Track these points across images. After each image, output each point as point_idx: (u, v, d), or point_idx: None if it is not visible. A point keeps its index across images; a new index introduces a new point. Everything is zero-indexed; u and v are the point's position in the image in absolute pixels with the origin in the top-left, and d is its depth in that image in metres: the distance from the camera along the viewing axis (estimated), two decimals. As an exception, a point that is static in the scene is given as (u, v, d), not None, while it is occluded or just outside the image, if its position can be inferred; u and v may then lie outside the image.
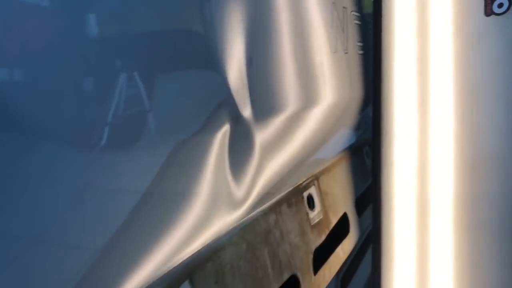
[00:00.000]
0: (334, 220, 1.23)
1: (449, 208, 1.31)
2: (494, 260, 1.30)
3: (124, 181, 0.64)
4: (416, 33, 1.28)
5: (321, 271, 1.12)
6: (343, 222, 1.32)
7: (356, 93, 1.43)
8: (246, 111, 0.81)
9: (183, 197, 0.70)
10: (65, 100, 0.55)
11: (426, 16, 1.26)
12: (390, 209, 1.36)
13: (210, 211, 0.75)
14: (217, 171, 0.74)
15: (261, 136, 0.86)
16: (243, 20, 0.81)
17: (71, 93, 0.56)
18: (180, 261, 0.70)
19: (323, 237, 1.14)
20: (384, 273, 1.41)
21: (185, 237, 0.71)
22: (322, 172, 1.23)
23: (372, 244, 1.41)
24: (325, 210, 1.18)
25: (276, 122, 0.93)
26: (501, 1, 1.17)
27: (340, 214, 1.29)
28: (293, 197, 1.05)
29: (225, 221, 0.79)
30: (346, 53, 1.30)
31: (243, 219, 0.86)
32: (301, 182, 1.11)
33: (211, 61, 0.75)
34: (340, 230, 1.29)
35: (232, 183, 0.79)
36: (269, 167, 0.91)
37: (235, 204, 0.82)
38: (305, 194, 1.11)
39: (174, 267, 0.68)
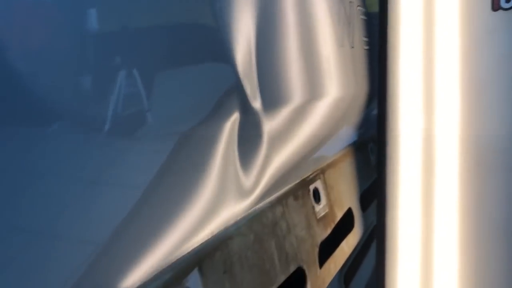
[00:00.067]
0: (339, 215, 1.23)
1: (455, 205, 1.31)
2: (500, 258, 1.29)
3: (133, 170, 0.64)
4: (422, 28, 1.28)
5: (326, 265, 1.11)
6: (348, 217, 1.32)
7: (361, 88, 1.43)
8: (255, 101, 0.80)
9: (192, 185, 0.70)
10: (69, 89, 0.55)
11: (432, 11, 1.26)
12: (395, 206, 1.36)
13: (219, 200, 0.75)
14: (226, 159, 0.74)
15: (270, 127, 0.86)
16: (253, 12, 0.81)
17: (75, 84, 0.56)
18: (189, 249, 0.70)
19: (329, 231, 1.14)
20: (388, 269, 1.41)
21: (194, 226, 0.71)
22: (327, 166, 1.23)
23: (376, 240, 1.41)
24: (330, 204, 1.18)
25: (284, 114, 0.93)
26: (509, -4, 1.17)
27: (345, 209, 1.29)
28: (300, 189, 1.05)
29: (233, 210, 0.79)
30: (352, 47, 1.30)
31: (251, 210, 0.86)
32: (307, 175, 1.11)
33: (222, 51, 0.75)
34: (345, 225, 1.29)
35: (241, 172, 0.79)
36: (277, 158, 0.91)
37: (243, 194, 0.82)
38: (311, 187, 1.11)
39: (183, 256, 0.68)
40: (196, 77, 0.71)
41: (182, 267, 0.67)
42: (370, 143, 1.60)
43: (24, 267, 0.49)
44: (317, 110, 1.11)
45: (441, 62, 1.26)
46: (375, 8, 1.50)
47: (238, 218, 0.81)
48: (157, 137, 0.66)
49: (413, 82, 1.31)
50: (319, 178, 1.16)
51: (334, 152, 1.32)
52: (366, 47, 1.46)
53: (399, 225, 1.37)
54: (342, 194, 1.29)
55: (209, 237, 0.74)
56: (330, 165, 1.25)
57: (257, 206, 0.88)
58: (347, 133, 1.45)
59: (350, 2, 1.30)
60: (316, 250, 1.06)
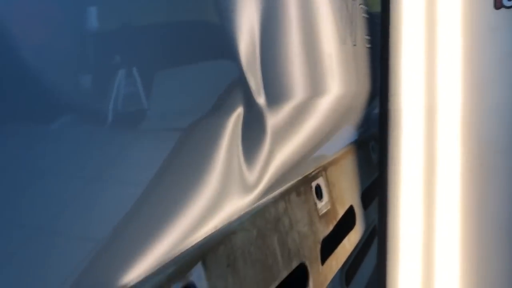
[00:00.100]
0: (341, 212, 1.23)
1: (456, 204, 1.31)
2: (501, 256, 1.30)
3: (136, 165, 0.64)
4: (424, 26, 1.28)
5: (328, 262, 1.12)
6: (350, 214, 1.32)
7: (363, 86, 1.44)
8: (259, 96, 0.81)
9: (196, 180, 0.70)
10: (69, 85, 0.55)
11: (434, 9, 1.26)
12: (396, 204, 1.36)
13: (223, 195, 0.75)
14: (230, 153, 0.75)
15: (273, 122, 0.86)
16: (257, 8, 0.81)
17: (76, 79, 0.56)
18: (193, 243, 0.70)
19: (331, 228, 1.14)
20: (389, 268, 1.41)
21: (198, 220, 0.71)
22: (329, 164, 1.23)
23: (377, 238, 1.41)
24: (332, 201, 1.19)
25: (287, 110, 0.93)
26: (511, -6, 1.17)
27: (347, 206, 1.30)
28: (302, 186, 1.06)
29: (237, 205, 0.79)
30: (354, 45, 1.30)
31: (254, 205, 0.86)
32: (309, 172, 1.11)
33: (226, 46, 0.75)
34: (346, 222, 1.29)
35: (244, 167, 0.79)
36: (280, 154, 0.91)
37: (247, 189, 0.82)
38: (313, 184, 1.11)
39: (187, 249, 0.68)
40: (200, 72, 0.72)
41: (186, 261, 0.67)
42: (371, 141, 1.60)
43: (27, 263, 0.49)
44: (319, 107, 1.11)
45: (443, 60, 1.27)
46: (376, 8, 1.50)
47: (242, 213, 0.81)
48: (161, 131, 0.66)
49: (415, 80, 1.31)
50: (321, 175, 1.16)
51: (336, 149, 1.32)
52: (368, 45, 1.47)
53: (401, 223, 1.38)
54: (344, 191, 1.29)
55: (213, 231, 0.74)
56: (332, 163, 1.26)
57: (260, 202, 0.88)
58: (348, 131, 1.45)
59: (353, 0, 1.30)
60: (318, 246, 1.06)
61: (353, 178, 1.41)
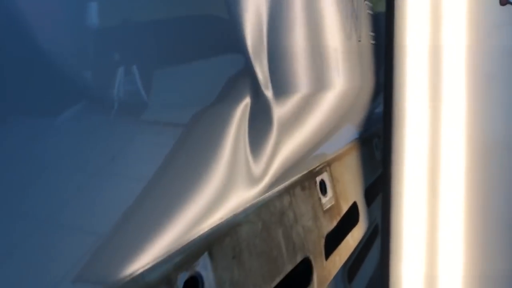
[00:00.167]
0: (344, 208, 1.23)
1: (460, 201, 1.31)
2: (504, 253, 1.29)
3: (143, 155, 0.64)
4: (429, 23, 1.28)
5: (332, 257, 1.11)
6: (353, 210, 1.32)
7: (367, 82, 1.43)
8: (266, 88, 0.81)
9: (203, 170, 0.70)
10: (73, 76, 0.55)
11: (439, 6, 1.26)
12: (400, 201, 1.36)
13: (229, 186, 0.75)
14: (237, 144, 0.74)
15: (279, 115, 0.86)
16: (264, 2, 0.81)
17: (79, 70, 0.55)
18: (200, 233, 0.70)
19: (334, 223, 1.14)
20: (393, 265, 1.40)
21: (205, 210, 0.71)
22: (333, 160, 1.23)
23: (381, 235, 1.41)
24: (336, 197, 1.18)
25: (293, 103, 0.93)
26: (517, -9, 1.17)
27: (350, 202, 1.29)
28: (306, 181, 1.05)
29: (243, 197, 0.79)
30: (359, 41, 1.30)
31: (259, 198, 0.86)
32: (314, 167, 1.11)
33: (235, 38, 0.75)
34: (350, 218, 1.29)
35: (251, 159, 0.79)
36: (286, 147, 0.91)
37: (253, 181, 0.82)
38: (318, 179, 1.11)
39: (194, 239, 0.68)
40: (209, 63, 0.72)
41: (193, 251, 0.67)
42: (375, 138, 1.60)
43: (35, 253, 0.49)
44: (324, 102, 1.11)
45: (448, 56, 1.26)
46: (378, 8, 1.50)
47: (247, 205, 0.81)
48: (168, 121, 0.66)
49: (419, 77, 1.31)
50: (326, 171, 1.16)
51: (340, 145, 1.32)
52: (373, 42, 1.46)
53: (404, 221, 1.37)
54: (348, 187, 1.29)
55: (219, 222, 0.74)
56: (336, 158, 1.25)
57: (265, 195, 0.88)
58: (352, 127, 1.45)
59: (358, -5, 1.30)
60: (322, 241, 1.06)
61: (357, 174, 1.40)
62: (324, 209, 1.10)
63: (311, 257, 0.99)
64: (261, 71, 0.79)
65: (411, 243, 1.37)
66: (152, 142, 0.65)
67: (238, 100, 0.74)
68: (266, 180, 0.86)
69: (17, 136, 0.46)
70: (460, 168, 1.30)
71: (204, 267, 0.67)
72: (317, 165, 1.13)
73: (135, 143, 0.63)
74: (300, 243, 0.95)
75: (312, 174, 1.09)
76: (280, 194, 0.93)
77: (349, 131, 1.42)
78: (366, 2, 1.39)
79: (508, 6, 1.17)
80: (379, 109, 1.45)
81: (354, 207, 1.32)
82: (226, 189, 0.75)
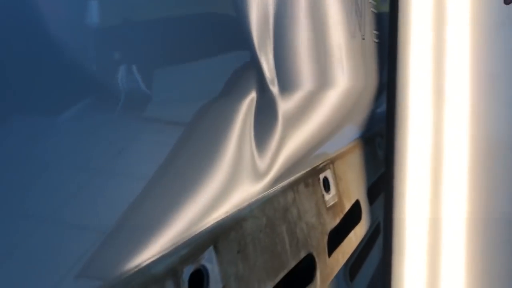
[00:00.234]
0: (347, 205, 1.23)
1: (463, 200, 1.31)
2: (508, 253, 1.29)
3: (149, 148, 0.64)
4: (432, 21, 1.28)
5: (334, 254, 1.11)
6: (356, 208, 1.32)
7: (370, 81, 1.44)
8: (272, 83, 0.81)
9: (209, 163, 0.70)
10: (77, 73, 0.55)
11: (443, 5, 1.26)
12: (402, 201, 1.36)
13: (234, 180, 0.75)
14: (243, 138, 0.75)
15: (284, 110, 0.86)
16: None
17: (83, 67, 0.55)
18: (205, 227, 0.70)
19: (338, 221, 1.14)
20: (395, 265, 1.40)
21: (210, 203, 0.71)
22: (336, 157, 1.23)
23: (383, 234, 1.41)
24: (339, 194, 1.18)
25: (298, 99, 0.93)
26: (521, -11, 1.17)
27: (353, 200, 1.30)
28: (310, 177, 1.05)
29: (248, 191, 0.79)
30: (363, 39, 1.30)
31: (263, 194, 0.86)
32: (317, 164, 1.11)
33: (241, 34, 0.75)
34: (353, 216, 1.29)
35: (256, 153, 0.79)
36: (290, 142, 0.92)
37: (258, 176, 0.82)
38: (321, 176, 1.11)
39: (200, 232, 0.68)
40: (215, 57, 0.72)
41: (198, 244, 0.67)
42: (378, 137, 1.60)
43: (41, 247, 0.49)
44: (328, 99, 1.11)
45: (451, 56, 1.26)
46: (381, 9, 1.50)
47: (252, 200, 0.81)
48: (174, 115, 0.66)
49: (422, 76, 1.31)
50: (329, 168, 1.16)
51: (343, 143, 1.32)
52: (376, 40, 1.47)
53: (406, 220, 1.37)
54: (351, 185, 1.29)
55: (224, 216, 0.74)
56: (339, 156, 1.26)
57: (270, 191, 0.88)
58: (356, 125, 1.45)
59: (362, -6, 1.30)
60: (326, 238, 1.06)
61: (360, 173, 1.41)
62: (327, 206, 1.11)
63: (315, 254, 0.99)
64: (267, 66, 0.79)
65: (413, 242, 1.37)
66: (157, 136, 0.65)
67: (244, 94, 0.74)
68: (271, 175, 0.86)
69: (19, 135, 0.46)
70: (463, 168, 1.30)
71: (209, 261, 0.68)
72: (321, 162, 1.13)
73: (140, 138, 0.63)
74: (303, 239, 0.95)
75: (316, 171, 1.09)
76: (284, 190, 0.93)
77: (352, 130, 1.42)
78: (370, 0, 1.39)
79: (512, 5, 1.18)
80: (382, 108, 1.45)
81: (356, 205, 1.32)
82: (231, 183, 0.75)
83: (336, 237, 1.15)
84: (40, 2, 0.49)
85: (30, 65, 0.47)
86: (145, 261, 0.59)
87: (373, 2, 1.43)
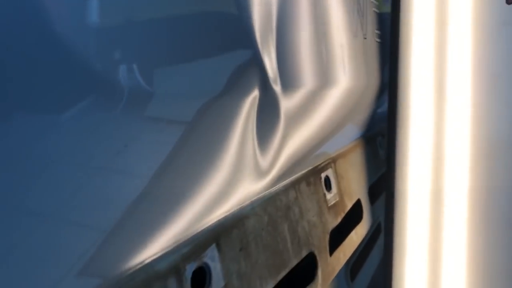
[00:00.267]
0: (349, 205, 1.23)
1: (464, 199, 1.31)
2: (509, 253, 1.29)
3: (152, 145, 0.64)
4: (434, 21, 1.28)
5: (336, 253, 1.12)
6: (357, 208, 1.32)
7: (372, 80, 1.44)
8: (274, 82, 0.81)
9: (211, 161, 0.70)
10: (79, 71, 0.55)
11: (444, 4, 1.26)
12: (403, 200, 1.36)
13: (236, 177, 0.75)
14: (245, 136, 0.75)
15: (287, 109, 0.87)
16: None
17: (85, 65, 0.55)
18: (208, 224, 0.70)
19: (339, 220, 1.14)
20: (396, 264, 1.40)
21: (212, 202, 0.71)
22: (338, 156, 1.23)
23: (384, 234, 1.41)
24: (341, 194, 1.19)
25: (299, 98, 0.93)
26: (523, -11, 1.17)
27: (355, 199, 1.30)
28: (312, 176, 1.06)
29: (250, 189, 0.79)
30: (365, 38, 1.30)
31: (265, 192, 0.86)
32: (319, 163, 1.11)
33: (245, 33, 0.75)
34: (354, 215, 1.29)
35: (258, 151, 0.79)
36: (292, 141, 0.92)
37: (260, 174, 0.82)
38: (323, 175, 1.11)
39: (202, 230, 0.68)
40: (218, 56, 0.72)
41: (201, 242, 0.67)
42: (379, 137, 1.60)
43: (45, 244, 0.49)
44: (329, 97, 1.11)
45: (453, 55, 1.26)
46: (382, 9, 1.50)
47: (254, 198, 0.82)
48: (178, 112, 0.66)
49: (424, 75, 1.31)
50: (330, 167, 1.16)
51: (345, 142, 1.32)
52: (378, 40, 1.47)
53: (408, 220, 1.37)
54: (352, 185, 1.29)
55: (226, 214, 0.74)
56: (341, 155, 1.26)
57: (272, 189, 0.88)
58: (357, 125, 1.45)
59: (364, -7, 1.30)
60: (327, 237, 1.06)
61: (361, 172, 1.41)
62: (329, 205, 1.11)
63: (316, 252, 0.99)
64: (270, 65, 0.79)
65: (414, 242, 1.37)
66: (160, 134, 0.65)
67: (247, 92, 0.74)
68: (273, 173, 0.86)
69: (21, 133, 0.46)
70: (464, 168, 1.30)
71: (211, 258, 0.68)
72: (322, 161, 1.13)
73: (143, 136, 0.63)
74: (305, 238, 0.95)
75: (317, 170, 1.10)
76: (286, 189, 0.93)
77: (354, 129, 1.42)
78: (372, 0, 1.39)
79: (514, 5, 1.17)
80: (384, 107, 1.45)
81: (358, 204, 1.32)
82: (233, 181, 0.75)
83: (338, 236, 1.15)
84: (43, 0, 0.49)
85: (32, 64, 0.47)
86: (148, 258, 0.59)
87: (375, 2, 1.43)
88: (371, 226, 1.45)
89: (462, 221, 1.31)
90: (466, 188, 1.30)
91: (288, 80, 0.87)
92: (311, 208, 1.01)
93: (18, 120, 0.46)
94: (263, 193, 0.84)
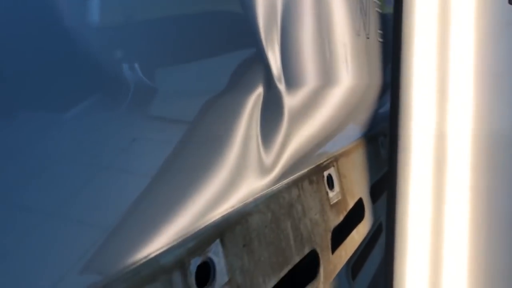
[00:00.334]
0: (351, 203, 1.24)
1: (466, 200, 1.31)
2: (509, 251, 1.30)
3: (158, 142, 0.65)
4: (437, 21, 1.28)
5: (337, 251, 1.12)
6: (359, 207, 1.32)
7: (374, 80, 1.44)
8: (279, 80, 0.81)
9: (215, 157, 0.71)
10: (83, 71, 0.55)
11: (447, 4, 1.26)
12: (405, 199, 1.36)
13: (240, 174, 0.76)
14: (249, 132, 0.75)
15: (290, 107, 0.87)
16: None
17: (88, 64, 0.55)
18: (212, 220, 0.70)
19: (341, 218, 1.15)
20: (397, 264, 1.41)
21: (216, 197, 0.71)
22: (340, 155, 1.24)
23: (385, 233, 1.41)
24: (343, 192, 1.19)
25: (302, 96, 0.94)
26: (526, -11, 1.17)
27: (356, 198, 1.30)
28: (314, 174, 1.06)
29: (253, 186, 0.80)
30: (368, 38, 1.31)
31: (269, 189, 0.86)
32: (322, 161, 1.12)
33: (250, 32, 0.76)
34: (356, 214, 1.29)
35: (262, 148, 0.80)
36: (295, 139, 0.92)
37: (263, 171, 0.82)
38: (325, 173, 1.12)
39: (206, 226, 0.69)
40: (223, 54, 0.72)
41: (205, 237, 0.68)
42: (381, 136, 1.60)
43: (52, 239, 0.50)
44: (332, 96, 1.12)
45: (455, 56, 1.27)
46: (385, 10, 1.51)
47: (257, 195, 0.82)
48: (182, 108, 0.67)
49: (426, 75, 1.32)
50: (333, 166, 1.17)
51: (347, 141, 1.33)
52: (381, 40, 1.47)
53: (409, 219, 1.38)
54: (354, 184, 1.30)
55: (230, 210, 0.74)
56: (343, 154, 1.26)
57: (275, 187, 0.89)
58: (359, 124, 1.46)
59: (367, -7, 1.31)
60: (329, 235, 1.07)
61: (363, 171, 1.41)
62: (331, 203, 1.11)
63: (318, 250, 1.00)
64: (275, 64, 0.80)
65: (415, 242, 1.38)
66: (164, 131, 0.66)
67: (251, 89, 0.75)
68: (276, 171, 0.87)
69: (24, 131, 0.47)
70: (466, 167, 1.30)
71: (215, 254, 0.68)
72: (325, 160, 1.14)
73: (148, 132, 0.64)
74: (307, 235, 0.96)
75: (320, 168, 1.10)
76: (288, 187, 0.93)
77: (356, 128, 1.43)
78: (375, 0, 1.40)
79: (516, 5, 1.18)
80: (386, 107, 1.46)
81: (360, 203, 1.32)
82: (237, 178, 0.76)
83: (339, 234, 1.15)
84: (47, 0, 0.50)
85: (36, 63, 0.48)
86: (153, 253, 0.59)
87: (377, 1, 1.43)
88: (373, 225, 1.45)
89: (464, 220, 1.32)
90: (467, 188, 1.30)
91: (292, 79, 0.87)
92: (313, 206, 1.01)
93: (21, 118, 0.46)
94: (266, 190, 0.85)
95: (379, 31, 1.47)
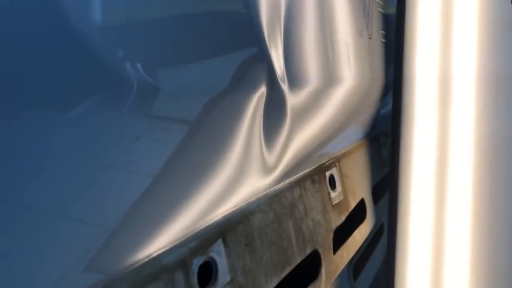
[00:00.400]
0: (353, 204, 1.24)
1: (468, 199, 1.31)
2: (511, 251, 1.29)
3: (161, 141, 0.65)
4: (439, 21, 1.28)
5: (339, 252, 1.12)
6: (361, 207, 1.32)
7: (376, 79, 1.44)
8: (282, 79, 0.81)
9: (218, 156, 0.71)
10: (86, 70, 0.55)
11: (450, 5, 1.26)
12: (407, 200, 1.36)
13: (243, 173, 0.76)
14: (252, 131, 0.75)
15: (293, 106, 0.87)
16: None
17: (91, 63, 0.55)
18: (214, 220, 0.70)
19: (343, 218, 1.15)
20: (398, 264, 1.41)
21: (218, 197, 0.71)
22: (342, 156, 1.24)
23: (387, 233, 1.41)
24: (345, 192, 1.19)
25: (305, 96, 0.94)
26: (529, -10, 1.17)
27: (358, 199, 1.30)
28: (316, 174, 1.06)
29: (256, 186, 0.80)
30: (370, 38, 1.30)
31: (271, 189, 0.86)
32: (324, 161, 1.12)
33: (254, 31, 0.76)
34: (358, 215, 1.29)
35: (264, 148, 0.80)
36: (298, 139, 0.92)
37: (266, 171, 0.82)
38: (327, 173, 1.11)
39: (208, 225, 0.69)
40: (227, 53, 0.72)
41: (207, 237, 0.68)
42: (382, 137, 1.60)
43: (54, 238, 0.50)
44: (334, 96, 1.12)
45: (458, 55, 1.27)
46: (388, 10, 1.51)
47: (260, 195, 0.82)
48: (185, 107, 0.67)
49: (428, 75, 1.32)
50: (335, 166, 1.17)
51: (349, 141, 1.32)
52: (383, 40, 1.47)
53: (411, 219, 1.37)
54: (356, 184, 1.30)
55: (233, 210, 0.74)
56: (345, 155, 1.26)
57: (277, 186, 0.89)
58: (361, 124, 1.45)
59: (370, -7, 1.31)
60: (331, 235, 1.07)
61: (365, 171, 1.41)
62: (333, 203, 1.11)
63: (320, 250, 0.99)
64: (278, 63, 0.80)
65: (417, 242, 1.38)
66: (167, 130, 0.66)
67: (254, 88, 0.75)
68: (278, 170, 0.87)
69: (27, 130, 0.46)
70: (468, 168, 1.30)
71: (218, 253, 0.68)
72: (327, 160, 1.14)
73: (150, 131, 0.64)
74: (309, 235, 0.96)
75: (322, 168, 1.10)
76: (291, 186, 0.93)
77: (358, 128, 1.43)
78: (378, 0, 1.40)
79: (519, 5, 1.18)
80: (388, 107, 1.46)
81: (361, 204, 1.32)
82: (239, 177, 0.76)
83: (341, 234, 1.15)
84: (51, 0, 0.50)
85: (36, 62, 0.48)
86: (155, 252, 0.59)
87: (380, 2, 1.43)
88: (374, 226, 1.45)
89: (465, 221, 1.32)
90: (469, 188, 1.30)
91: (295, 78, 0.87)
92: (315, 206, 1.01)
93: (23, 118, 0.46)
94: (268, 190, 0.85)
95: (382, 32, 1.47)
